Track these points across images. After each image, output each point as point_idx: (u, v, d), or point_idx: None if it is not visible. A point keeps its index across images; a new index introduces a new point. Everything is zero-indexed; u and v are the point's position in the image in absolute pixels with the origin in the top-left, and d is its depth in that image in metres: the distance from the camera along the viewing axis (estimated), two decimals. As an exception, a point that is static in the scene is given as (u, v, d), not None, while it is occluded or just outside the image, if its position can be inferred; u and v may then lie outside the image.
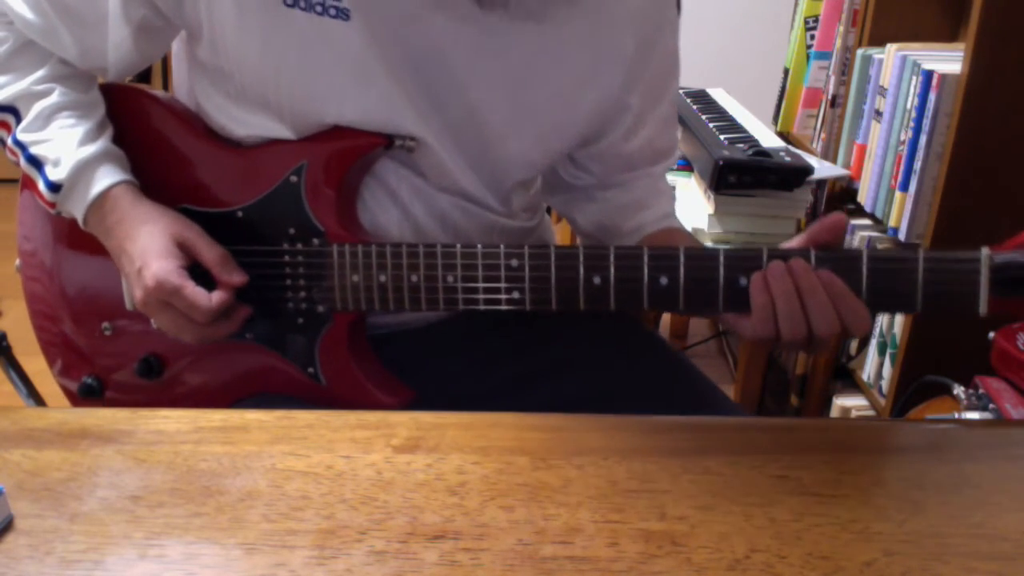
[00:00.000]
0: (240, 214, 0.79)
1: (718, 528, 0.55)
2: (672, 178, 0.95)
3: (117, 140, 0.80)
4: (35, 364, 0.99)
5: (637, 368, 0.88)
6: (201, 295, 0.73)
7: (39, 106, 0.78)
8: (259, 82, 0.75)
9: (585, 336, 0.88)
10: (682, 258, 0.70)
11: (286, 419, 0.66)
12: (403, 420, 0.66)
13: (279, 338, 0.80)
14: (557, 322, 0.82)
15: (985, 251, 0.65)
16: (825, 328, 0.67)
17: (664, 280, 0.70)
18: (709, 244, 1.48)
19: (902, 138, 1.39)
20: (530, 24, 0.75)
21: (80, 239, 0.81)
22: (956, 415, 1.10)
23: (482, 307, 0.74)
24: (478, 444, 0.63)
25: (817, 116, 1.89)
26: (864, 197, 1.53)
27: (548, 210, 1.05)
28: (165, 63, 2.68)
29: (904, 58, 1.40)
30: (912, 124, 1.35)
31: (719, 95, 1.94)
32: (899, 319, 1.43)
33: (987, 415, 1.07)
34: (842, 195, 1.67)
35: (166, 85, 2.85)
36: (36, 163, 0.77)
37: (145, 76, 2.86)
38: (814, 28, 1.94)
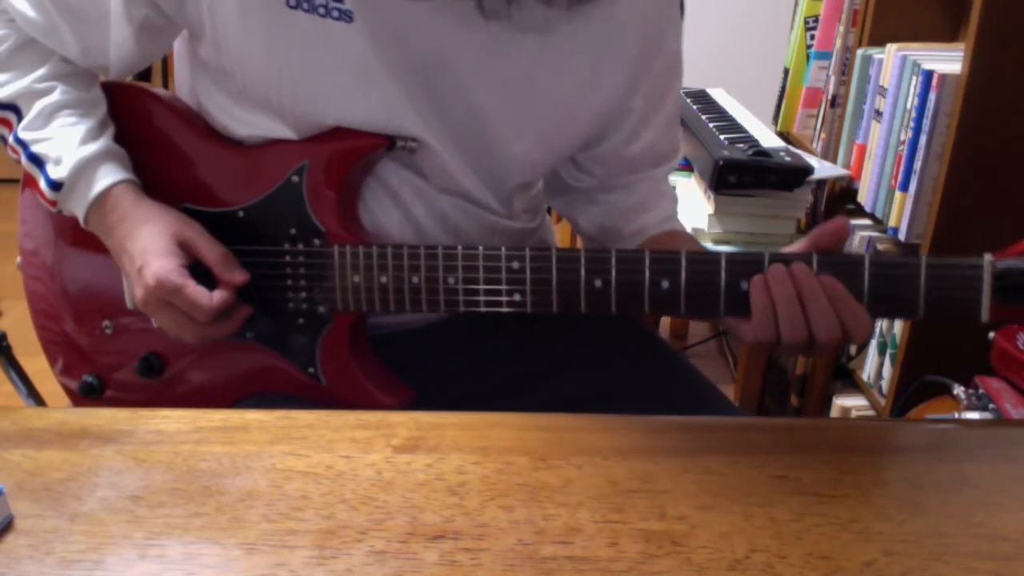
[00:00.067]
0: (241, 214, 0.79)
1: (718, 528, 0.55)
2: (672, 178, 0.95)
3: (118, 139, 0.80)
4: (35, 364, 0.99)
5: (637, 368, 0.88)
6: (202, 294, 0.73)
7: (40, 104, 0.78)
8: (261, 82, 0.75)
9: (585, 337, 0.88)
10: (683, 262, 0.69)
11: (286, 419, 0.66)
12: (403, 420, 0.66)
13: (280, 338, 0.80)
14: (557, 323, 0.82)
15: (988, 257, 0.65)
16: (826, 333, 0.67)
17: (665, 284, 0.70)
18: (709, 244, 1.48)
19: (902, 138, 1.39)
20: (532, 34, 0.75)
21: (81, 238, 0.81)
22: (956, 415, 1.11)
23: (483, 309, 0.74)
24: (478, 444, 0.63)
25: (817, 116, 1.89)
26: (864, 197, 1.53)
27: (548, 210, 1.05)
28: (165, 61, 2.68)
29: (904, 58, 1.40)
30: (912, 124, 1.35)
31: (719, 95, 1.94)
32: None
33: (987, 415, 1.07)
34: (842, 195, 1.67)
35: (166, 83, 2.85)
36: (37, 161, 0.77)
37: (145, 75, 2.86)
38: (814, 28, 1.94)
